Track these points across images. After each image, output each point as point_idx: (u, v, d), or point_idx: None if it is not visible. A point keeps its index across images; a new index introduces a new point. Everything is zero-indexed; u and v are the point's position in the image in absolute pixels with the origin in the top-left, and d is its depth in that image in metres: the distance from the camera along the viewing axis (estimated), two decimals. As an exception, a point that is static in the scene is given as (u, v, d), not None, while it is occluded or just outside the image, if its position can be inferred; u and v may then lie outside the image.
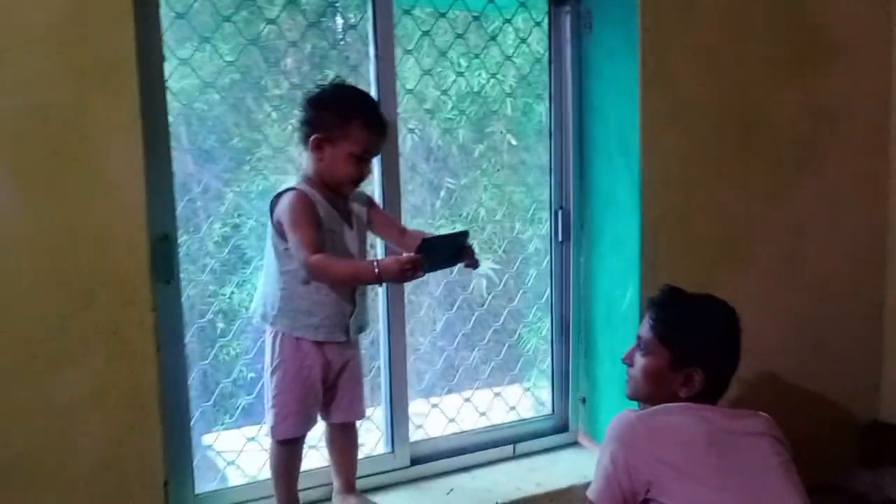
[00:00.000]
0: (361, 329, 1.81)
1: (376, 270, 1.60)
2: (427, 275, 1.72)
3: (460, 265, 1.76)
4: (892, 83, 2.53)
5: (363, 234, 1.80)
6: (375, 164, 1.99)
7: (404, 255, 1.61)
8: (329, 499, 1.92)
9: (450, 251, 1.71)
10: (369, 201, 1.85)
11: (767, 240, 2.33)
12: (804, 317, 2.43)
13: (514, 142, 2.41)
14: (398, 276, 1.60)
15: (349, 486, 1.88)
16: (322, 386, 1.76)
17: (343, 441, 1.86)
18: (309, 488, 1.91)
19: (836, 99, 2.41)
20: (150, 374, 1.55)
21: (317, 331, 1.71)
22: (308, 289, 1.69)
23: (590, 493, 1.57)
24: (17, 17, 1.40)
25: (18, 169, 1.43)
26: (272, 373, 1.73)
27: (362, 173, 1.72)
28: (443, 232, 1.78)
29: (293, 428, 1.73)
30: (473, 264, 1.74)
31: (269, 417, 1.74)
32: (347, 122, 1.66)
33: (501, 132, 2.39)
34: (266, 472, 1.88)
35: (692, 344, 1.59)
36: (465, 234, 1.73)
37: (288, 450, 1.75)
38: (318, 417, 1.81)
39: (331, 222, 1.70)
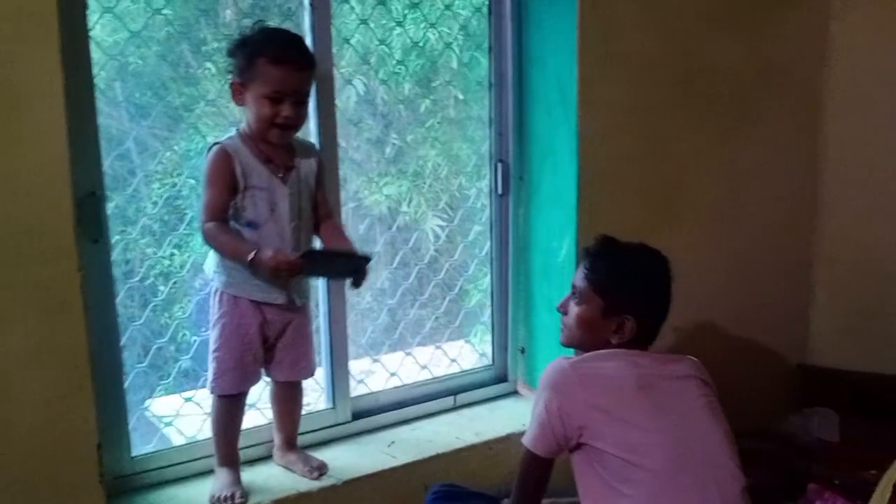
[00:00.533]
0: (305, 293, 1.79)
1: (249, 258, 1.59)
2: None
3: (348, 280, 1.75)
4: (829, 36, 2.58)
5: (305, 191, 1.74)
6: (311, 117, 1.95)
7: (291, 256, 1.60)
8: (269, 456, 1.92)
9: (342, 267, 1.71)
10: (320, 164, 1.79)
11: (703, 190, 2.39)
12: (737, 265, 2.51)
13: (460, 95, 2.38)
14: (270, 273, 1.60)
15: (289, 443, 1.89)
16: (263, 345, 1.75)
17: (285, 398, 1.86)
18: (250, 446, 1.91)
19: (774, 50, 2.46)
20: (80, 335, 1.50)
21: (252, 290, 1.69)
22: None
23: (525, 440, 1.62)
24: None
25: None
26: (211, 328, 1.72)
27: (279, 115, 1.62)
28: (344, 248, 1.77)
29: (231, 384, 1.72)
30: (358, 287, 1.73)
31: (209, 373, 1.73)
32: (254, 62, 1.61)
33: (446, 85, 2.36)
34: (204, 433, 1.89)
35: (624, 292, 1.63)
36: (364, 260, 1.70)
37: (227, 405, 1.75)
38: (262, 375, 1.80)
39: (258, 179, 1.66)
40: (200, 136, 1.95)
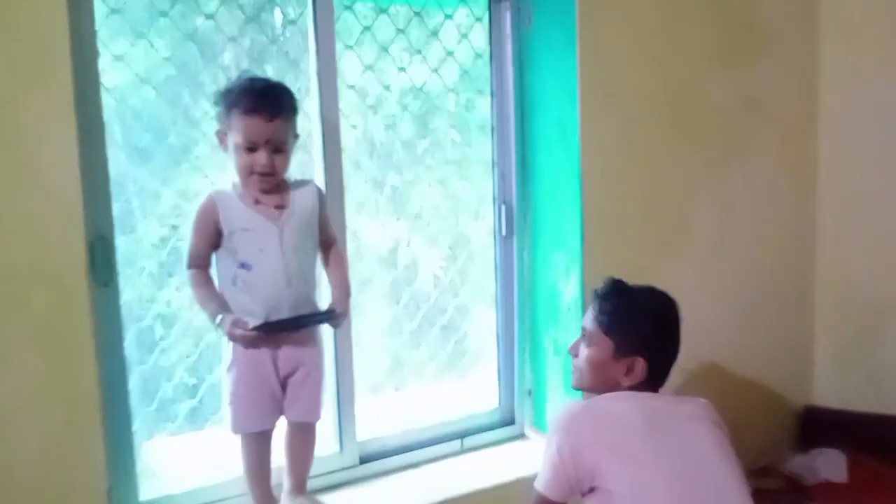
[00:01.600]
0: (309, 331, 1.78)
1: (216, 321, 1.64)
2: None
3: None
4: (819, 72, 2.64)
5: (303, 228, 1.74)
6: (318, 160, 1.98)
7: (247, 328, 1.63)
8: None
9: (304, 325, 1.73)
10: (320, 198, 1.80)
11: (702, 225, 2.41)
12: (738, 300, 2.52)
13: (457, 138, 2.41)
14: (230, 337, 1.64)
15: (300, 486, 1.86)
16: (278, 383, 1.74)
17: (299, 440, 1.84)
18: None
19: (765, 87, 2.51)
20: (90, 379, 1.51)
21: (254, 324, 1.69)
22: (235, 289, 1.69)
23: (537, 485, 1.60)
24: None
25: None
26: (228, 371, 1.72)
27: (255, 164, 1.64)
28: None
29: (251, 423, 1.72)
30: (335, 328, 1.85)
31: (230, 414, 1.73)
32: (229, 113, 1.64)
33: (445, 128, 2.40)
34: (213, 478, 1.88)
35: (633, 333, 1.64)
36: (325, 316, 1.75)
37: (254, 443, 1.74)
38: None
39: (246, 222, 1.67)
40: (201, 176, 1.96)
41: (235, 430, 1.72)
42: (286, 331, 1.69)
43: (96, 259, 1.58)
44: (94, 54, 1.63)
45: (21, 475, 1.47)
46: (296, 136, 1.74)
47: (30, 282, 1.45)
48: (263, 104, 1.62)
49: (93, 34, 1.63)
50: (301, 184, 1.79)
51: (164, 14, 1.82)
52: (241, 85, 1.66)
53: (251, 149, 1.63)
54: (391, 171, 2.35)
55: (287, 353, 1.73)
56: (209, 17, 1.89)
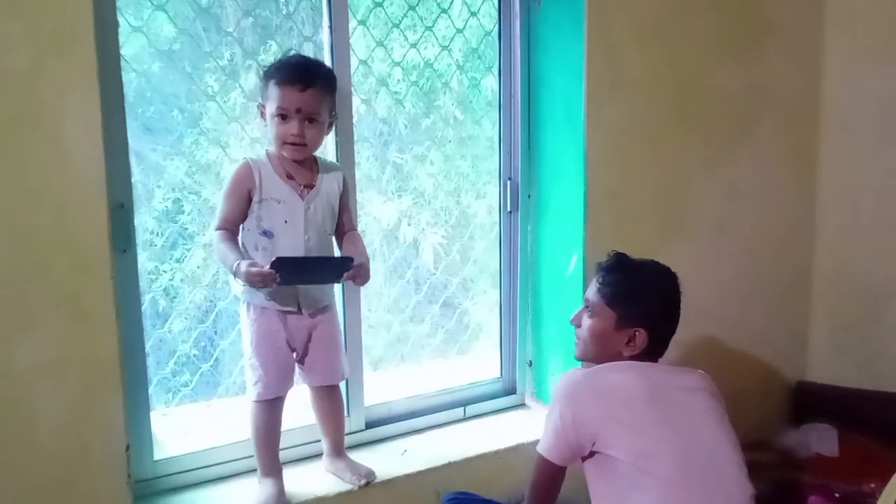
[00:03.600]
0: (316, 301, 1.81)
1: (233, 268, 1.65)
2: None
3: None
4: (823, 59, 2.68)
5: (325, 209, 1.81)
6: (330, 136, 2.02)
7: (265, 268, 1.63)
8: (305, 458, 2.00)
9: (320, 271, 1.75)
10: (345, 184, 1.86)
11: (703, 207, 2.46)
12: (736, 281, 2.57)
13: (459, 115, 2.45)
14: (246, 281, 1.65)
15: (337, 449, 1.94)
16: (291, 350, 1.81)
17: (324, 404, 1.91)
18: (298, 445, 2.00)
19: (769, 74, 2.54)
20: (111, 342, 1.56)
21: (268, 300, 1.76)
22: (257, 254, 1.74)
23: (539, 448, 1.67)
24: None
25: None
26: (243, 338, 1.79)
27: (287, 132, 1.71)
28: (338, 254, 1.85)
29: (266, 390, 1.78)
30: (359, 284, 1.81)
31: (246, 381, 1.80)
32: (267, 84, 1.72)
33: (449, 106, 2.43)
34: (222, 439, 1.95)
35: (635, 304, 1.69)
36: (341, 261, 1.76)
37: (264, 410, 1.80)
38: (294, 380, 1.85)
39: (276, 192, 1.74)
40: (204, 151, 2.00)
41: (253, 396, 1.78)
42: (303, 276, 1.71)
43: (116, 226, 1.63)
44: (115, 25, 1.68)
45: (45, 434, 1.53)
46: (332, 115, 1.80)
47: (53, 249, 1.50)
48: (296, 74, 1.70)
49: (114, 6, 1.67)
50: (330, 167, 1.86)
51: (183, -10, 1.86)
52: (282, 60, 1.76)
53: (284, 116, 1.71)
54: (395, 147, 2.40)
55: (296, 322, 1.79)
56: (225, -8, 1.92)
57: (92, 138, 1.51)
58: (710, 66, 2.40)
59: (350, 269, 1.72)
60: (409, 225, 2.46)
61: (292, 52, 1.80)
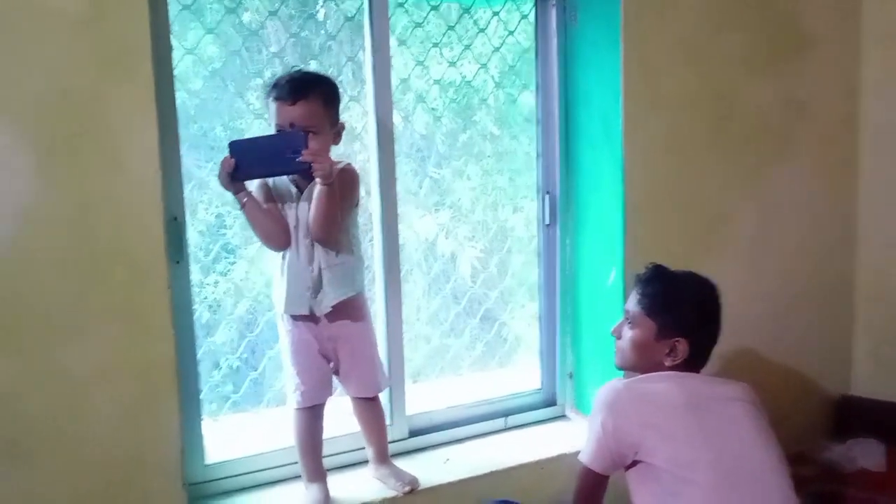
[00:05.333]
0: (329, 304, 1.80)
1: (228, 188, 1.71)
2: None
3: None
4: (861, 72, 2.67)
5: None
6: (372, 151, 2.08)
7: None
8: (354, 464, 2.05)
9: (273, 153, 1.67)
10: (340, 181, 1.80)
11: (741, 222, 2.46)
12: (778, 295, 2.56)
13: (496, 131, 2.50)
14: (221, 182, 1.68)
15: (380, 456, 1.98)
16: (324, 359, 1.85)
17: (364, 414, 1.95)
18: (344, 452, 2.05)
19: (807, 88, 2.54)
20: (167, 349, 1.63)
21: (284, 304, 1.81)
22: (278, 260, 1.80)
23: (582, 457, 1.69)
24: (42, 5, 1.48)
25: (44, 149, 1.50)
26: (283, 349, 1.86)
27: None
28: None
29: (303, 398, 1.83)
30: (310, 170, 1.67)
31: (287, 390, 1.85)
32: (267, 102, 1.77)
33: (487, 121, 2.48)
34: (270, 445, 2.00)
35: (675, 314, 1.71)
36: (295, 135, 1.68)
37: (305, 419, 1.85)
38: (332, 388, 1.90)
39: (285, 198, 1.79)
40: None
41: (293, 405, 1.84)
42: (260, 163, 1.67)
43: (170, 238, 1.70)
44: (169, 49, 1.76)
45: (104, 437, 1.60)
46: (335, 124, 1.80)
47: (112, 259, 1.58)
48: (285, 90, 1.72)
49: (168, 30, 1.76)
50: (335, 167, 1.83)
51: (231, 10, 1.94)
52: (279, 76, 1.78)
53: (283, 131, 1.74)
54: (433, 162, 2.45)
55: (323, 331, 1.83)
56: (272, 13, 2.01)
57: (149, 154, 1.59)
58: (746, 81, 2.41)
59: (302, 146, 1.66)
60: (447, 238, 2.51)
61: (294, 69, 1.83)
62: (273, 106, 1.73)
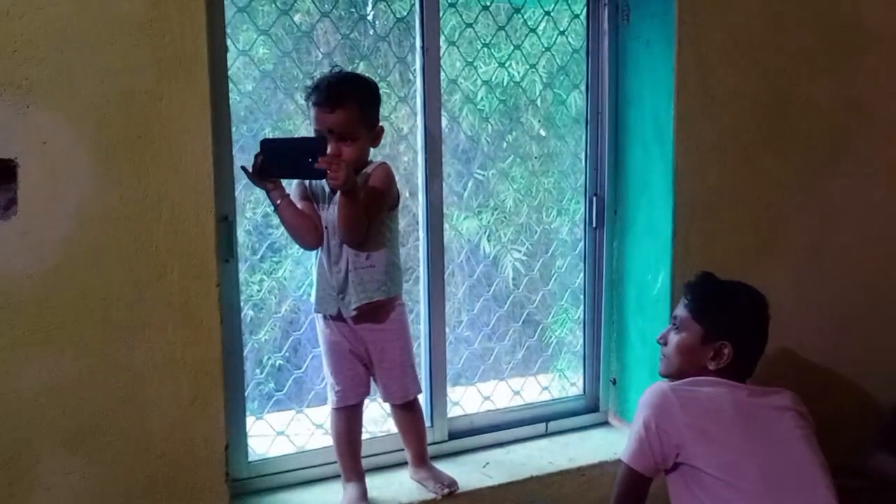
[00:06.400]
0: (353, 306, 1.79)
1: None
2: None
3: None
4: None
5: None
6: (419, 153, 2.08)
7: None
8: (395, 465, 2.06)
9: (298, 156, 1.68)
10: (364, 179, 1.80)
11: (798, 227, 2.39)
12: (832, 303, 2.49)
13: (543, 132, 2.47)
14: (250, 179, 1.71)
15: (418, 459, 1.98)
16: (358, 360, 1.86)
17: (400, 418, 1.95)
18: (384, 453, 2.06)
19: (868, 88, 2.46)
20: (216, 346, 1.66)
21: (316, 302, 1.82)
22: (313, 260, 1.82)
23: (623, 456, 1.69)
24: (104, 11, 1.51)
25: (105, 151, 1.54)
26: (321, 349, 1.88)
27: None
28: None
29: (339, 398, 1.85)
30: (326, 177, 1.66)
31: (327, 390, 1.88)
32: (308, 105, 1.78)
33: (534, 122, 2.46)
34: (312, 443, 2.04)
35: (722, 319, 1.71)
36: (315, 141, 1.71)
37: (341, 418, 1.86)
38: (368, 389, 1.91)
39: (322, 200, 1.81)
40: None
41: (330, 404, 1.86)
42: (286, 163, 1.69)
43: (221, 237, 1.72)
44: (225, 51, 1.78)
45: (154, 430, 1.64)
46: (373, 128, 1.80)
47: (167, 257, 1.61)
48: (324, 96, 1.73)
49: (224, 32, 1.78)
50: (369, 167, 1.83)
51: (285, 12, 1.96)
52: (319, 79, 1.79)
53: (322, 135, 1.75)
54: (478, 163, 2.44)
55: (355, 333, 1.83)
56: (325, 14, 2.02)
57: (203, 154, 1.62)
58: (805, 81, 2.34)
59: (321, 151, 1.66)
60: (489, 241, 2.50)
61: (335, 69, 1.83)
62: (313, 111, 1.75)
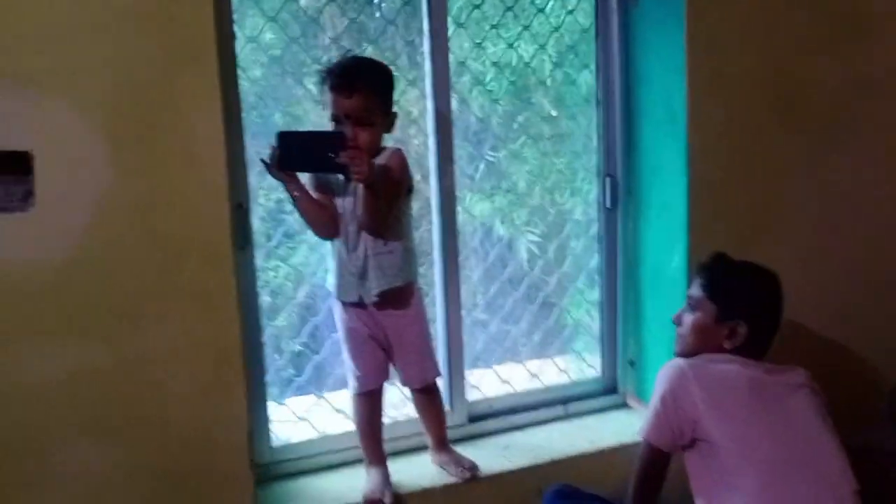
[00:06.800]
0: (374, 292, 1.79)
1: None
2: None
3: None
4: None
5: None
6: (431, 136, 2.07)
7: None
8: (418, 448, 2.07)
9: (317, 150, 1.66)
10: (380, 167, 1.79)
11: (805, 203, 2.37)
12: (846, 283, 2.46)
13: (554, 112, 2.46)
14: (268, 171, 1.69)
15: (439, 443, 1.99)
16: (377, 345, 1.86)
17: (420, 402, 1.96)
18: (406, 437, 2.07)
19: (874, 69, 2.43)
20: (234, 333, 1.66)
21: (336, 290, 1.82)
22: (330, 246, 1.82)
23: (642, 432, 1.70)
24: (112, 2, 1.51)
25: (118, 141, 1.54)
26: (340, 335, 1.88)
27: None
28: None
29: (359, 383, 1.86)
30: (346, 171, 1.66)
31: (347, 376, 1.89)
32: (324, 89, 1.76)
33: (544, 103, 2.45)
34: (333, 429, 2.04)
35: (737, 298, 1.71)
36: (336, 136, 1.69)
37: (362, 404, 1.87)
38: (388, 374, 1.91)
39: (336, 188, 1.80)
40: None
41: (350, 390, 1.87)
42: (303, 157, 1.68)
43: (236, 225, 1.73)
44: (232, 38, 1.78)
45: (176, 417, 1.65)
46: (388, 113, 1.79)
47: (183, 245, 1.61)
48: (342, 81, 1.72)
49: (231, 19, 1.77)
50: (382, 152, 1.82)
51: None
52: (335, 64, 1.78)
53: (337, 121, 1.75)
54: (490, 145, 2.43)
55: (371, 318, 1.84)
56: (332, 0, 2.01)
57: (215, 143, 1.62)
58: (813, 60, 2.31)
59: (341, 145, 1.63)
60: (502, 223, 2.49)
61: (349, 54, 1.82)
62: (329, 95, 1.73)
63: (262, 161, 1.69)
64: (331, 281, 1.84)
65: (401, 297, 1.83)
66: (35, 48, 1.46)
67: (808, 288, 2.33)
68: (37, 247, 1.50)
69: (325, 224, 1.78)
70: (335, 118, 1.74)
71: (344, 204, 1.78)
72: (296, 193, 1.73)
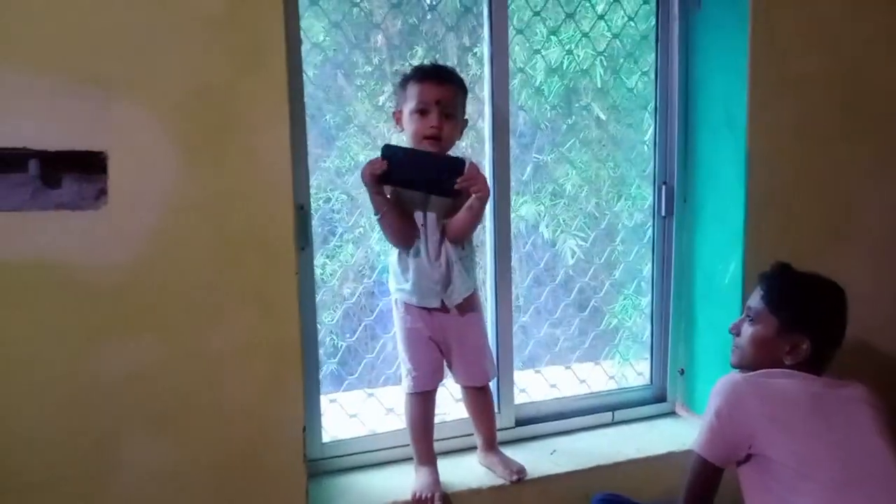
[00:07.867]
0: (459, 296, 1.85)
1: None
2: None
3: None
4: None
5: (443, 204, 1.83)
6: (487, 142, 2.09)
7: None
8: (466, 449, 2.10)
9: (429, 171, 1.72)
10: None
11: (872, 214, 2.33)
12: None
13: (604, 117, 2.45)
14: (364, 179, 1.74)
15: (488, 444, 2.02)
16: (435, 346, 1.89)
17: (473, 402, 1.98)
18: (455, 437, 2.10)
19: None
20: (294, 331, 1.70)
21: (410, 295, 1.85)
22: (402, 252, 1.84)
23: (694, 446, 1.67)
24: (183, 7, 1.56)
25: (187, 144, 1.59)
26: (397, 335, 1.91)
27: (427, 125, 1.77)
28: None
29: (415, 383, 1.88)
30: (451, 195, 1.74)
31: (402, 375, 1.92)
32: (405, 88, 1.81)
33: (596, 107, 2.44)
34: (384, 426, 2.08)
35: (800, 312, 1.67)
36: (453, 162, 1.74)
37: (416, 403, 1.90)
38: (444, 374, 1.95)
39: (415, 194, 1.82)
40: (351, 155, 2.12)
41: (404, 389, 1.90)
42: (412, 174, 1.72)
43: (297, 226, 1.77)
44: (299, 42, 1.82)
45: (234, 413, 1.70)
46: (464, 118, 1.86)
47: (245, 246, 1.66)
48: (434, 71, 1.82)
49: (298, 23, 1.82)
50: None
51: (355, 4, 1.99)
52: (417, 66, 1.86)
53: (423, 112, 1.78)
54: (540, 149, 2.43)
55: (437, 320, 1.87)
56: (394, 5, 2.04)
57: (281, 146, 1.66)
58: (881, 64, 2.27)
59: (460, 171, 1.71)
60: (547, 227, 2.49)
61: (428, 61, 1.90)
62: (416, 87, 1.78)
63: (369, 173, 1.73)
64: (396, 286, 1.88)
65: (470, 298, 1.89)
66: (113, 54, 1.52)
67: (879, 301, 2.29)
68: (106, 244, 1.56)
69: (410, 235, 1.83)
70: (421, 109, 1.78)
71: (427, 216, 1.82)
72: (384, 208, 1.78)
